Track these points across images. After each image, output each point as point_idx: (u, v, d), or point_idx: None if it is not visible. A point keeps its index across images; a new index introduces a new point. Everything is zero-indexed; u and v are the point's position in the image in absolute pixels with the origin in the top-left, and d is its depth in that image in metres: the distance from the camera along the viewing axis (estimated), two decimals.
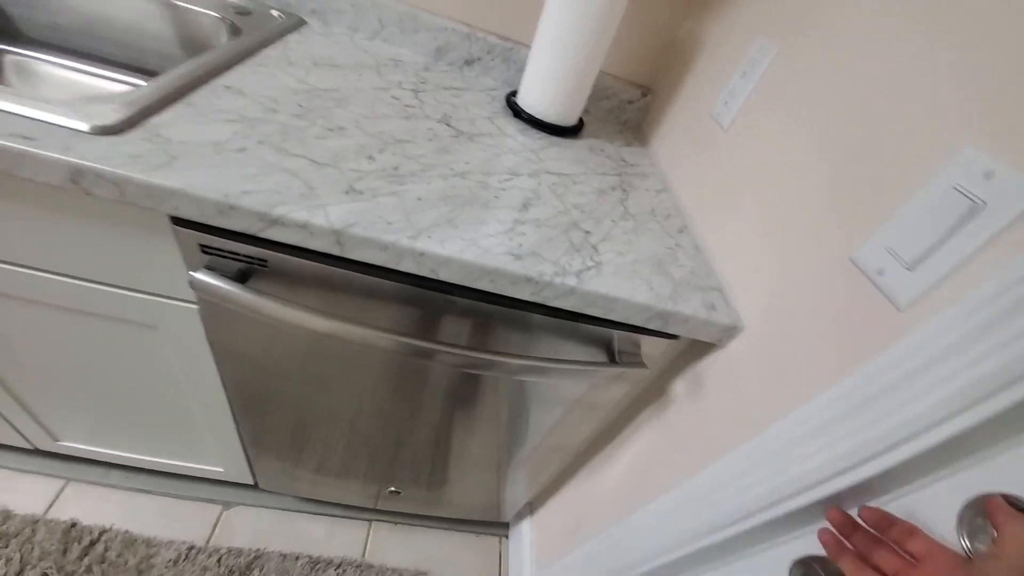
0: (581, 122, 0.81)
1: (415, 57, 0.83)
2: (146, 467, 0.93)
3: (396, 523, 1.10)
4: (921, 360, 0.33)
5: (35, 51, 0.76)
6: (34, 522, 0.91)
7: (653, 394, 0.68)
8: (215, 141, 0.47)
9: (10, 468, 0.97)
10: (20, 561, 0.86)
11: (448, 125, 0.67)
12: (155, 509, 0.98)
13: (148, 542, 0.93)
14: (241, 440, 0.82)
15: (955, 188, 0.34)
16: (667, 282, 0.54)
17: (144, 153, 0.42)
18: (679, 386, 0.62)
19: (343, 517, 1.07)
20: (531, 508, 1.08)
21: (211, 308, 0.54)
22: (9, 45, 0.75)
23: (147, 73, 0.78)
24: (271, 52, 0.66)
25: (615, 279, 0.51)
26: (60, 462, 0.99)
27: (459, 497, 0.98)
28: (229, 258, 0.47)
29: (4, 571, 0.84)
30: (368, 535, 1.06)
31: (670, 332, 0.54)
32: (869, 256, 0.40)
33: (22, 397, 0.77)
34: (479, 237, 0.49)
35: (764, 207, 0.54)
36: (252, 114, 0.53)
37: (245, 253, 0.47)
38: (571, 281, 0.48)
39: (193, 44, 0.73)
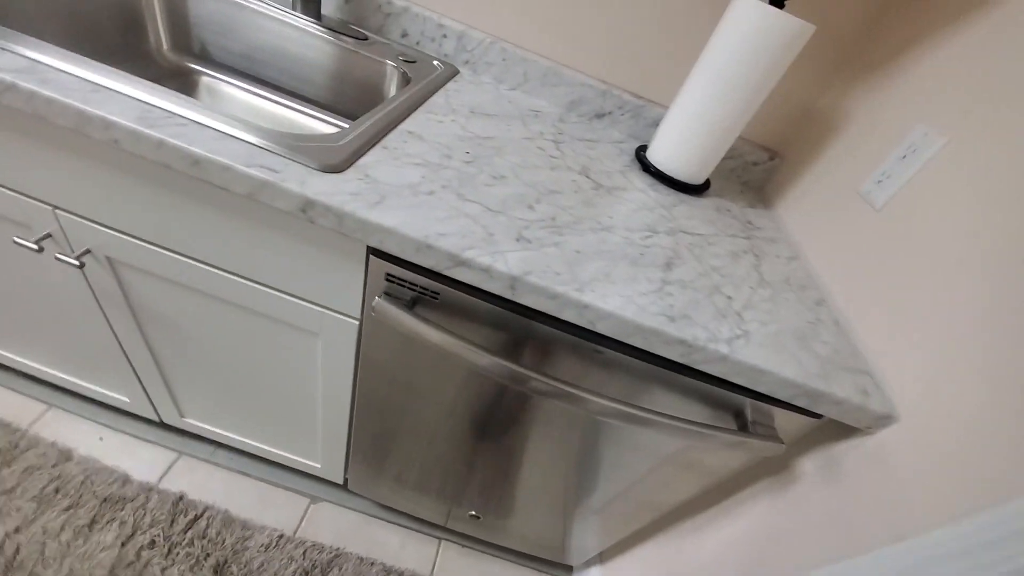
0: (708, 182, 0.82)
1: (551, 108, 0.89)
2: (250, 451, 1.01)
3: (464, 546, 1.11)
4: None
5: (226, 75, 0.89)
6: (148, 490, 1.01)
7: (773, 466, 0.66)
8: (410, 183, 0.53)
9: (133, 435, 1.08)
10: (132, 525, 0.95)
11: (588, 177, 0.71)
12: (252, 492, 1.06)
13: (244, 524, 1.00)
14: (348, 442, 0.88)
15: None
16: (813, 359, 0.53)
17: (361, 191, 0.49)
18: (808, 464, 0.60)
19: (416, 531, 1.10)
20: (601, 558, 1.06)
21: (374, 326, 0.60)
22: (206, 67, 0.89)
23: (313, 103, 0.89)
24: (437, 100, 0.74)
25: (763, 350, 0.51)
26: (175, 435, 1.09)
27: (529, 531, 0.98)
28: (407, 287, 0.53)
29: (118, 533, 0.93)
30: (438, 552, 1.08)
31: (816, 411, 0.53)
32: None
33: (169, 376, 0.87)
34: (634, 295, 0.51)
35: (924, 298, 0.52)
36: (433, 159, 0.59)
37: (422, 285, 0.52)
38: (723, 349, 0.49)
39: (365, 86, 0.83)
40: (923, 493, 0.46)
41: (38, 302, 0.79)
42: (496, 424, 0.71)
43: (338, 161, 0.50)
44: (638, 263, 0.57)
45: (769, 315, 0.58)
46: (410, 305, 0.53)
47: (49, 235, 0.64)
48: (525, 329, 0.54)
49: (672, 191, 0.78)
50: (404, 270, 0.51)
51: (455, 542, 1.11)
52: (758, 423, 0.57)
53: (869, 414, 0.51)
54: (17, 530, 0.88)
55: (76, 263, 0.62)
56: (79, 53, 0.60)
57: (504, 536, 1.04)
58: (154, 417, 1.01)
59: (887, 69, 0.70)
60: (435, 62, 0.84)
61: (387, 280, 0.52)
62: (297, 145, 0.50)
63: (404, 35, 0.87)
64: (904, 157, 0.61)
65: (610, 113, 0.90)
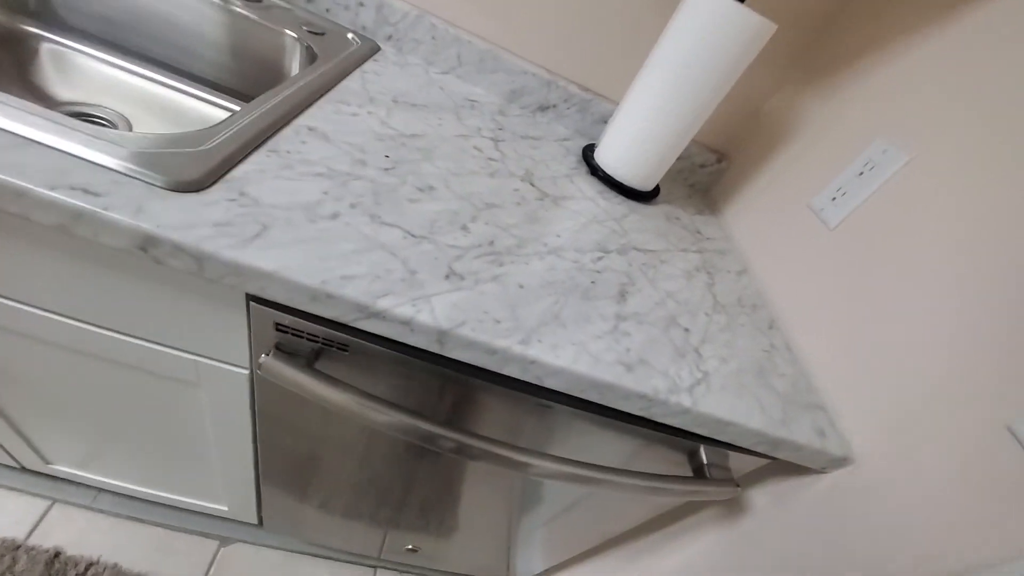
0: (657, 187, 0.76)
1: (489, 97, 0.78)
2: (140, 496, 0.86)
3: (402, 572, 1.03)
4: None
5: (78, 41, 0.69)
6: (15, 548, 0.83)
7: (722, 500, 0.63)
8: (306, 204, 0.41)
9: None
10: None
11: (532, 184, 0.62)
12: (147, 540, 0.90)
13: None
14: (257, 486, 0.75)
15: None
16: (775, 399, 0.49)
17: (231, 220, 0.36)
18: (759, 498, 0.58)
19: (347, 562, 1.00)
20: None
21: (266, 384, 0.48)
22: (48, 31, 0.68)
23: (198, 80, 0.72)
24: (350, 84, 0.60)
25: (725, 395, 0.46)
26: (47, 480, 0.90)
27: (468, 555, 0.92)
28: (304, 338, 0.41)
29: None
30: None
31: (775, 456, 0.49)
32: None
33: (18, 422, 0.70)
34: (587, 340, 0.43)
35: (883, 327, 0.50)
36: (340, 167, 0.47)
37: (324, 336, 0.41)
38: (685, 401, 0.43)
39: (262, 61, 0.67)
40: (872, 540, 0.43)
41: None
42: (425, 475, 0.62)
43: (199, 175, 0.37)
44: (590, 295, 0.49)
45: (727, 348, 0.53)
46: (309, 361, 0.42)
47: None
48: (456, 383, 0.45)
49: (622, 198, 0.71)
50: (299, 319, 0.40)
51: (392, 568, 1.03)
52: (713, 466, 0.53)
53: (825, 457, 0.48)
54: None
55: None
56: None
57: (444, 562, 0.97)
58: (11, 463, 0.82)
59: (845, 72, 0.67)
60: (350, 35, 0.70)
61: (277, 330, 0.41)
62: (139, 152, 0.36)
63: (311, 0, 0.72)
64: (861, 174, 0.57)
65: (555, 106, 0.80)
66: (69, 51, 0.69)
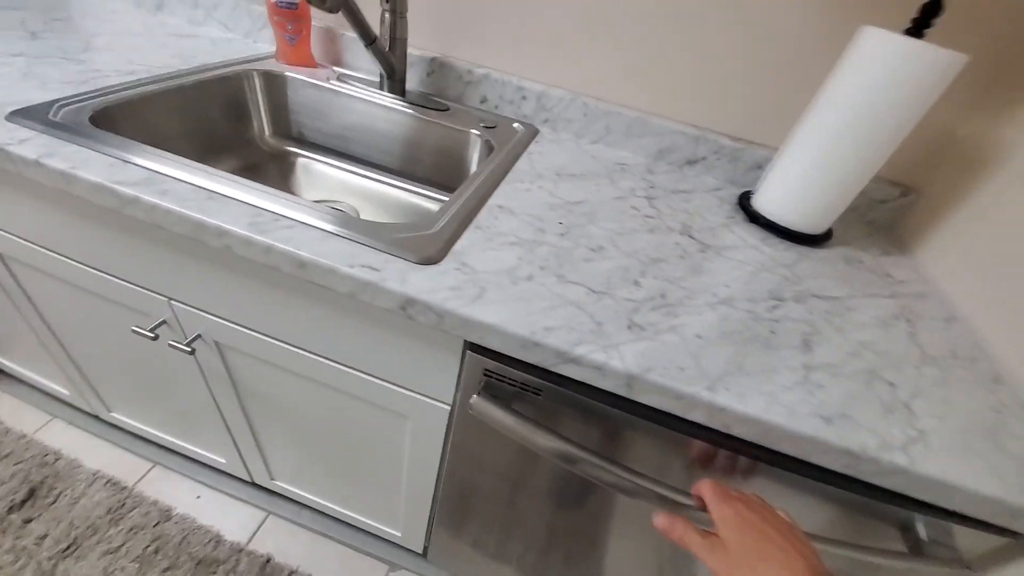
0: (830, 230, 0.72)
1: (637, 159, 0.84)
2: (333, 515, 1.00)
3: None
4: None
5: (319, 154, 0.93)
6: (239, 551, 1.03)
7: None
8: (507, 269, 0.49)
9: (227, 493, 1.12)
10: None
11: (691, 236, 0.64)
12: (334, 556, 1.04)
13: None
14: (430, 516, 0.84)
15: None
16: (1009, 461, 0.42)
17: (460, 285, 0.45)
18: None
19: None
20: None
21: (467, 420, 0.56)
22: (301, 149, 0.93)
23: (402, 175, 0.90)
24: (522, 166, 0.71)
25: (948, 456, 0.41)
26: (265, 495, 1.11)
27: None
28: (506, 383, 0.48)
29: None
30: None
31: (1014, 528, 0.41)
32: None
33: (262, 442, 0.89)
34: (777, 391, 0.43)
35: None
36: (526, 235, 0.55)
37: (523, 381, 0.47)
38: (900, 459, 0.39)
39: (451, 155, 0.83)
40: None
41: (152, 375, 0.85)
42: (599, 520, 0.63)
43: (434, 252, 0.48)
44: (771, 345, 0.48)
45: (944, 405, 0.47)
46: (508, 402, 0.49)
47: (164, 322, 0.67)
48: (644, 429, 0.47)
49: (789, 243, 0.68)
50: (504, 365, 0.47)
51: None
52: (935, 543, 0.45)
53: None
54: None
55: (187, 350, 0.65)
56: (192, 146, 0.63)
57: None
58: (247, 477, 1.04)
59: None
60: (515, 124, 0.83)
61: (485, 375, 0.48)
62: (394, 238, 0.48)
63: (483, 100, 0.87)
64: None
65: (704, 159, 0.83)
66: (314, 162, 0.93)
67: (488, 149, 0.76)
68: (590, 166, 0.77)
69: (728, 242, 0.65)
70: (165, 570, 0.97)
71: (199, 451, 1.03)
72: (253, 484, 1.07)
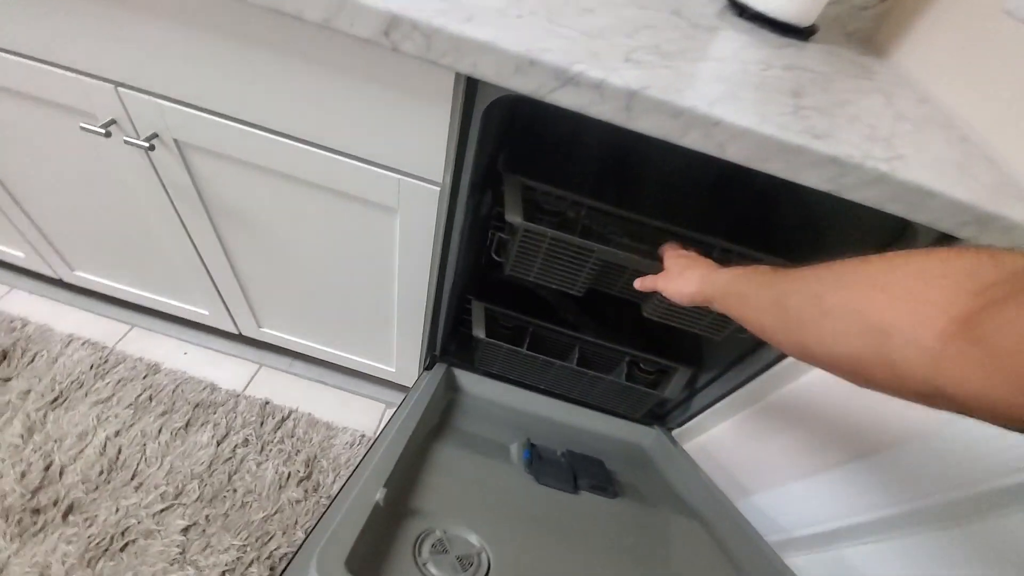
0: (814, 26, 0.70)
1: None
2: (327, 359, 1.03)
3: None
4: None
5: None
6: (236, 396, 1.06)
7: None
8: (496, 7, 0.46)
9: (215, 349, 1.13)
10: (226, 426, 1.00)
11: (681, 17, 0.61)
12: (331, 398, 1.10)
13: (328, 425, 1.04)
14: (423, 345, 0.87)
15: None
16: (980, 186, 0.45)
17: (447, 10, 0.42)
18: None
19: None
20: None
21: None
22: None
23: None
24: None
25: (925, 171, 0.44)
26: (254, 348, 1.13)
27: None
28: None
29: (213, 433, 0.98)
30: None
31: (984, 243, 0.45)
32: None
33: (245, 281, 0.88)
34: (770, 114, 0.44)
35: None
36: None
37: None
38: (882, 167, 0.42)
39: None
40: None
41: (113, 210, 0.79)
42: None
43: None
44: (763, 88, 0.48)
45: (919, 145, 0.49)
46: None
47: (114, 121, 0.61)
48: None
49: (776, 35, 0.67)
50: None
51: None
52: None
53: None
54: (117, 433, 0.94)
55: (144, 144, 0.60)
56: None
57: None
58: (233, 330, 1.04)
59: None
60: None
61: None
62: None
63: None
64: None
65: None
66: None
67: None
68: None
69: (717, 25, 0.63)
70: (162, 414, 0.99)
71: (179, 304, 1.01)
72: (241, 337, 1.07)
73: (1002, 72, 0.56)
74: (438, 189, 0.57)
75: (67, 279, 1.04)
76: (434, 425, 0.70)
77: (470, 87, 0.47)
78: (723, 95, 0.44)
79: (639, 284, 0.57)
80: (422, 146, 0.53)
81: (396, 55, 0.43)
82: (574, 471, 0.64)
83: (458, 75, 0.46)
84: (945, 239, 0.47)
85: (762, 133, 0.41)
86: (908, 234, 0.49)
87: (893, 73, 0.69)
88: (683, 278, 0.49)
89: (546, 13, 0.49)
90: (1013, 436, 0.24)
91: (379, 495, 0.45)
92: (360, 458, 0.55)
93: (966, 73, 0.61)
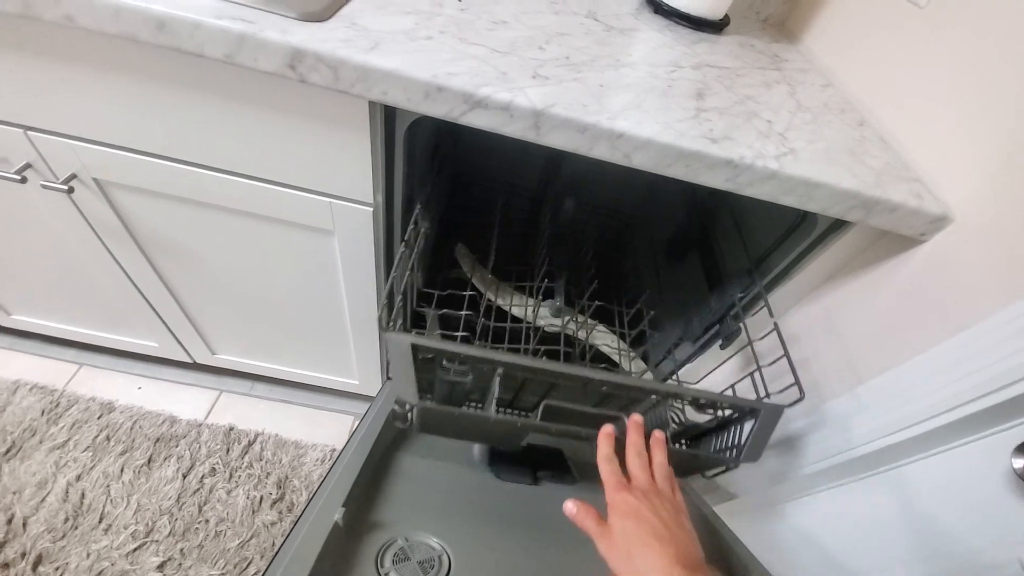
0: (727, 18, 0.74)
1: None
2: (289, 378, 1.03)
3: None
4: None
5: None
6: (198, 426, 1.04)
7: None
8: (404, 30, 0.47)
9: (170, 380, 1.10)
10: (190, 458, 0.99)
11: (596, 20, 0.63)
12: (297, 417, 1.09)
13: (296, 444, 1.04)
14: (383, 355, 0.88)
15: None
16: (867, 171, 0.49)
17: (351, 39, 0.43)
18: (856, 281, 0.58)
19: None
20: None
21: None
22: None
23: None
24: None
25: (814, 164, 0.47)
26: (212, 375, 1.11)
27: None
28: None
29: (177, 466, 0.97)
30: None
31: (868, 223, 0.50)
32: None
33: (190, 310, 0.86)
34: (671, 121, 0.46)
35: (975, 97, 0.47)
36: (423, 7, 0.52)
37: None
38: (772, 164, 0.45)
39: None
40: (979, 288, 0.44)
41: (44, 255, 0.76)
42: None
43: (318, 8, 0.44)
44: (668, 94, 0.51)
45: (814, 135, 0.53)
46: None
47: (29, 165, 0.59)
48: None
49: (690, 29, 0.70)
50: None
51: None
52: None
53: (925, 217, 0.48)
54: (79, 478, 0.92)
55: (64, 188, 0.58)
56: None
57: None
58: (187, 359, 1.02)
59: None
60: None
61: None
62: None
63: None
64: None
65: None
66: None
67: None
68: None
69: (632, 26, 0.65)
70: (122, 453, 0.97)
71: (125, 339, 0.98)
72: (196, 365, 1.05)
73: (895, 53, 0.60)
74: (371, 209, 0.57)
75: (5, 324, 0.99)
76: (396, 434, 0.71)
77: (389, 109, 0.48)
78: (628, 105, 0.47)
79: (568, 513, 0.40)
80: (348, 169, 0.53)
81: (308, 86, 0.43)
82: (532, 464, 0.67)
83: (372, 102, 0.46)
84: (840, 223, 0.51)
85: (662, 142, 0.44)
86: (808, 219, 0.53)
87: (803, 59, 0.73)
88: (629, 562, 0.34)
89: (456, 30, 0.50)
90: None
91: (338, 515, 0.47)
92: (322, 477, 0.56)
93: (864, 55, 0.66)
